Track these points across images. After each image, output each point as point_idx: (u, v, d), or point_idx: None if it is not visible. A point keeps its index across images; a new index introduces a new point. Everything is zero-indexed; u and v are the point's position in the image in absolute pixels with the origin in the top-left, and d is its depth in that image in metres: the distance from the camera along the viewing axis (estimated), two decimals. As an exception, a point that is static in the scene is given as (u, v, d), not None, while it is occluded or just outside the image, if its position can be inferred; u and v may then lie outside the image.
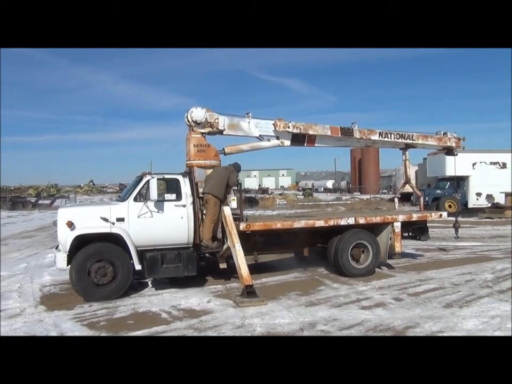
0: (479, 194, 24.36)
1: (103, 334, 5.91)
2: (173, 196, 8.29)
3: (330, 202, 36.78)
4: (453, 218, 12.23)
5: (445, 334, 5.61)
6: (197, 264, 8.27)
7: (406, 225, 10.11)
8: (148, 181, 7.93)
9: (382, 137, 10.42)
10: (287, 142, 9.65)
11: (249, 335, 5.75)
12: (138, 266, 7.84)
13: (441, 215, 10.54)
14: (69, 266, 7.58)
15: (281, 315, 6.56)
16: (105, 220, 7.72)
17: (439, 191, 24.86)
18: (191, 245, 8.32)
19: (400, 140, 10.68)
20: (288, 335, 5.72)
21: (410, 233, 10.70)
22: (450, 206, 22.76)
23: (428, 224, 10.84)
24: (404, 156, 11.31)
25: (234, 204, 8.68)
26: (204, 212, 8.49)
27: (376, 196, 44.48)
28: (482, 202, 24.14)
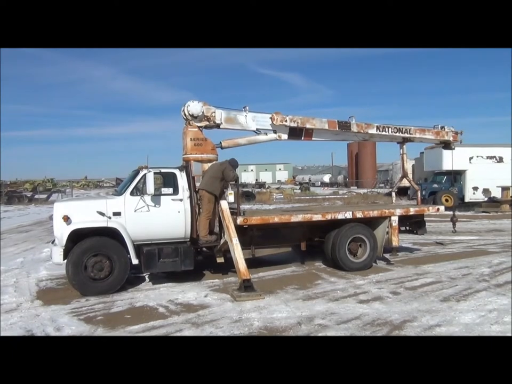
0: (475, 189, 24.41)
1: (100, 329, 5.89)
2: (170, 190, 8.24)
3: (327, 197, 36.79)
4: (450, 213, 12.24)
5: (442, 328, 5.62)
6: (194, 258, 8.25)
7: (403, 219, 10.11)
8: (145, 175, 7.89)
9: (380, 131, 10.40)
10: (285, 136, 9.61)
11: (246, 329, 5.75)
12: (135, 261, 7.81)
13: (438, 209, 10.57)
14: (66, 260, 7.55)
15: (279, 309, 6.56)
16: (102, 214, 7.68)
17: (436, 185, 24.92)
18: (188, 239, 8.29)
19: (397, 134, 10.66)
20: (286, 329, 5.72)
21: (407, 227, 10.71)
22: (447, 200, 22.80)
23: (425, 218, 10.85)
24: (401, 150, 11.29)
25: (231, 198, 8.65)
26: (200, 207, 8.47)
27: (373, 190, 44.56)
28: (479, 197, 24.21)
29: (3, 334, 5.66)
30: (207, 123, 8.78)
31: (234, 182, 8.75)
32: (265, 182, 71.96)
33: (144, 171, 7.97)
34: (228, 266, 8.59)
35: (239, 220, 8.26)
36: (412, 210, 10.17)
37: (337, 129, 9.96)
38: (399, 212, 9.77)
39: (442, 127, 11.21)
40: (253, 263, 8.60)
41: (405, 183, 13.27)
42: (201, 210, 8.42)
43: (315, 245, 9.72)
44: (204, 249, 8.88)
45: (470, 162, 24.21)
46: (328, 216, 9.10)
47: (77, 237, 7.55)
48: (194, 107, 8.55)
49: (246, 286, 7.42)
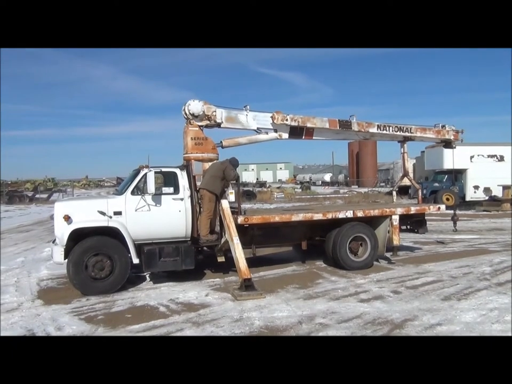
0: (476, 187, 24.38)
1: (101, 328, 5.89)
2: (171, 189, 8.25)
3: (328, 196, 36.79)
4: (451, 211, 12.23)
5: (443, 327, 5.61)
6: (195, 257, 8.25)
7: (404, 218, 10.09)
8: (145, 174, 7.89)
9: (380, 130, 10.39)
10: (285, 135, 9.60)
11: (247, 328, 5.75)
12: (136, 260, 7.81)
13: (439, 208, 10.55)
14: (66, 260, 7.54)
15: (280, 308, 6.55)
16: (103, 213, 7.68)
17: (436, 184, 24.86)
18: (189, 239, 8.29)
19: (398, 133, 10.64)
20: (286, 328, 5.72)
21: (408, 226, 10.70)
22: (448, 199, 22.76)
23: (425, 217, 10.84)
24: (402, 149, 11.26)
25: (232, 197, 8.64)
26: (201, 206, 8.46)
27: (374, 189, 44.52)
28: (480, 195, 24.16)
29: (4, 333, 5.66)
30: (208, 122, 8.77)
31: (235, 181, 8.74)
32: (266, 181, 72.03)
33: (145, 170, 7.97)
34: (229, 266, 8.59)
35: (240, 219, 8.26)
36: (413, 209, 10.16)
37: (338, 128, 9.95)
38: (400, 211, 9.75)
39: (443, 126, 11.19)
40: (253, 262, 8.59)
41: (406, 182, 13.23)
42: (202, 209, 8.42)
43: (316, 244, 9.72)
44: (205, 248, 8.88)
45: (471, 161, 24.16)
46: (329, 215, 9.10)
47: (78, 236, 7.55)
48: (195, 106, 8.55)
49: (247, 285, 7.42)
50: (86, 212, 7.77)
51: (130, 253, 7.76)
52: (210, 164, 8.64)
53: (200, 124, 8.70)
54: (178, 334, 5.63)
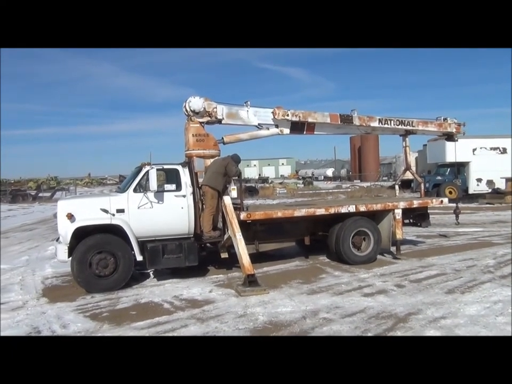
0: (479, 180, 24.33)
1: (106, 325, 5.91)
2: (173, 186, 8.25)
3: (330, 191, 36.72)
4: (454, 205, 12.21)
5: (447, 320, 5.62)
6: (198, 254, 8.26)
7: (407, 212, 10.10)
8: (147, 172, 7.90)
9: (382, 124, 10.36)
10: (286, 130, 9.59)
11: (251, 324, 5.76)
12: (139, 257, 7.83)
13: (442, 202, 10.53)
14: (70, 258, 7.58)
15: (283, 303, 6.57)
16: (105, 211, 7.70)
17: (439, 178, 24.81)
18: (192, 235, 8.31)
19: (400, 126, 10.62)
20: (290, 323, 5.73)
21: (411, 220, 10.70)
22: (450, 192, 22.71)
23: (428, 211, 10.83)
24: (404, 143, 11.24)
25: (234, 194, 8.65)
26: (204, 203, 8.47)
27: (376, 183, 44.46)
28: (483, 188, 24.12)
29: (9, 331, 5.70)
30: (209, 119, 8.78)
31: (237, 177, 8.75)
32: (268, 177, 71.85)
33: (147, 168, 7.99)
34: (232, 262, 8.60)
35: (243, 215, 8.26)
36: (416, 203, 10.15)
37: (339, 122, 9.93)
38: (402, 204, 9.74)
39: (445, 119, 11.16)
40: (257, 258, 8.60)
41: (408, 175, 13.24)
42: (204, 206, 8.42)
43: (319, 239, 9.71)
44: (208, 244, 8.89)
45: (474, 154, 24.10)
46: (332, 210, 9.09)
47: (81, 234, 7.58)
48: (196, 103, 8.54)
49: (251, 281, 7.43)
50: (89, 209, 7.78)
51: (133, 250, 7.78)
52: (212, 160, 8.65)
53: (201, 120, 8.70)
54: (183, 330, 5.65)
